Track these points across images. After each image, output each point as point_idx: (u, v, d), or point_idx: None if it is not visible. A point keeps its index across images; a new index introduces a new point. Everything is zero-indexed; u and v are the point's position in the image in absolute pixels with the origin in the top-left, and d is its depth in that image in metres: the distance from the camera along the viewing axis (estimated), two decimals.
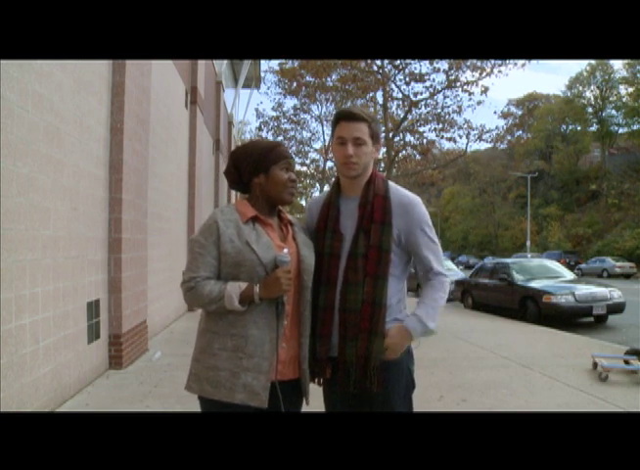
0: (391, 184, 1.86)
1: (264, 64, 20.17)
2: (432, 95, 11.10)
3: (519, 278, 10.47)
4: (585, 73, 42.77)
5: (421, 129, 11.89)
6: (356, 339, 1.71)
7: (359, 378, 1.71)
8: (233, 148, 19.45)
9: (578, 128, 45.47)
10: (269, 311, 1.65)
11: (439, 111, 11.38)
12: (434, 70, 10.73)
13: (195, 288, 1.64)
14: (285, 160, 1.73)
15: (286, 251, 1.69)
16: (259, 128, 18.73)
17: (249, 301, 1.61)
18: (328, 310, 1.76)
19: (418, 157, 12.93)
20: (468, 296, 12.25)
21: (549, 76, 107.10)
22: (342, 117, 1.77)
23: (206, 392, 1.64)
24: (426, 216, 1.82)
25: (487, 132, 11.80)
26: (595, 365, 5.23)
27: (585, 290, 9.48)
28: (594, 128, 43.90)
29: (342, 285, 1.74)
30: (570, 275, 11.49)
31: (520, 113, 51.62)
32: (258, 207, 1.74)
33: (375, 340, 1.71)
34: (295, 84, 14.65)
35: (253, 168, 1.73)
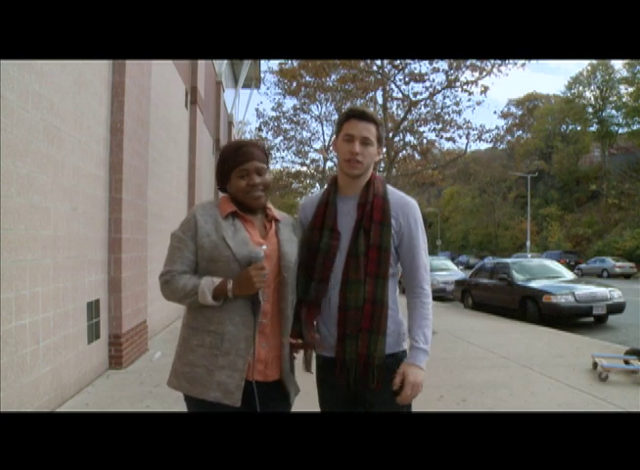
0: (389, 187, 1.87)
1: (264, 64, 20.16)
2: (431, 95, 11.10)
3: (519, 278, 10.47)
4: (585, 73, 42.75)
5: (421, 129, 11.90)
6: (356, 337, 1.71)
7: (360, 377, 1.71)
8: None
9: (578, 128, 45.39)
10: (246, 308, 1.63)
11: (439, 111, 11.38)
12: (434, 70, 10.73)
13: (170, 281, 1.66)
14: (239, 167, 1.68)
15: (264, 247, 1.67)
16: (259, 128, 18.74)
17: (223, 296, 1.60)
18: (313, 306, 1.76)
19: (418, 157, 12.93)
20: (468, 296, 12.25)
21: (549, 77, 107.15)
22: (354, 116, 1.76)
23: (184, 387, 1.65)
24: (422, 221, 1.84)
25: (487, 132, 11.80)
26: (595, 365, 5.24)
27: (585, 290, 9.48)
28: (594, 128, 43.83)
29: (342, 283, 1.74)
30: (570, 275, 11.49)
31: (520, 113, 51.71)
32: (240, 206, 1.73)
33: (377, 339, 1.71)
34: (294, 84, 14.65)
35: (222, 178, 1.75)
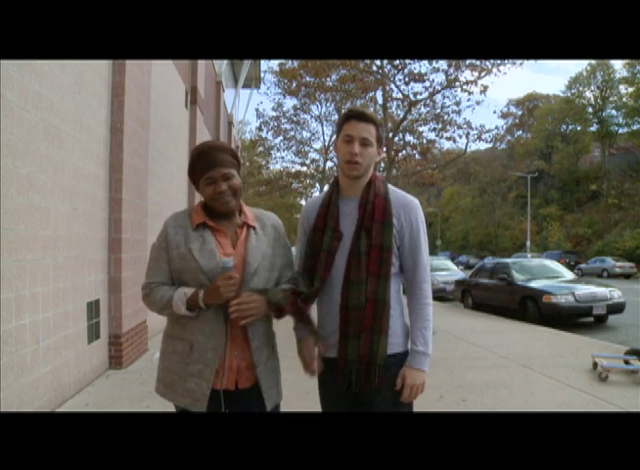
0: (390, 186, 1.87)
1: (264, 64, 20.16)
2: (431, 95, 11.09)
3: (519, 278, 10.47)
4: (585, 73, 42.74)
5: (420, 129, 11.89)
6: (358, 337, 1.70)
7: (362, 377, 1.71)
8: (233, 148, 19.44)
9: (578, 128, 45.40)
10: (217, 319, 1.64)
11: (439, 111, 11.37)
12: (434, 70, 10.72)
13: (149, 294, 1.70)
14: (205, 175, 1.66)
15: (232, 257, 1.66)
16: (259, 128, 18.72)
17: (197, 307, 1.62)
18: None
19: (418, 157, 12.92)
20: (468, 296, 12.25)
21: (549, 77, 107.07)
22: (353, 117, 1.77)
23: (162, 391, 1.72)
24: (423, 221, 1.84)
25: (487, 132, 11.78)
26: (595, 365, 5.24)
27: (585, 290, 9.48)
28: (594, 128, 43.83)
29: (344, 283, 1.74)
30: (570, 275, 11.49)
31: (520, 113, 51.72)
32: (211, 213, 1.72)
33: (379, 338, 1.70)
34: (294, 84, 14.64)
35: (193, 181, 1.74)
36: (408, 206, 1.80)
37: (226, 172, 1.67)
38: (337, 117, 15.93)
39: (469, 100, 25.78)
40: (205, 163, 1.66)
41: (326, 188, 1.98)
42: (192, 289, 1.63)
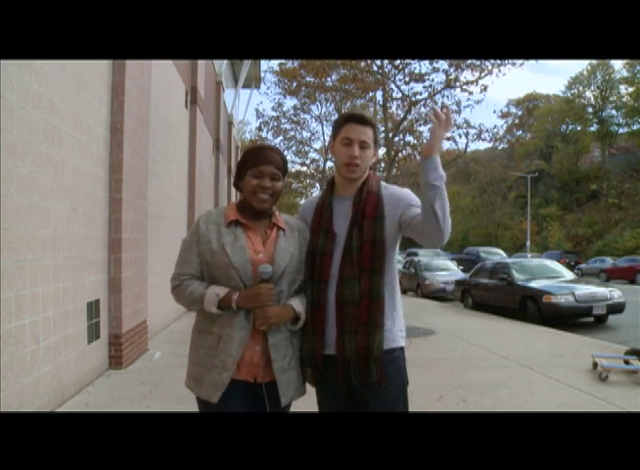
0: (383, 183, 1.89)
1: (264, 64, 20.15)
2: (430, 95, 11.08)
3: (519, 278, 10.46)
4: (585, 73, 42.75)
5: (420, 129, 11.89)
6: (355, 332, 1.73)
7: (360, 371, 1.72)
8: (233, 148, 19.47)
9: (578, 128, 45.40)
10: (243, 311, 1.69)
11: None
12: (434, 70, 10.71)
13: (180, 286, 1.77)
14: (255, 167, 1.73)
15: (261, 255, 1.72)
16: (259, 128, 18.72)
17: (228, 308, 1.67)
18: (320, 308, 1.77)
19: (418, 157, 12.92)
20: (468, 296, 12.24)
21: (549, 78, 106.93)
22: (353, 119, 1.78)
23: (191, 387, 1.76)
24: (415, 198, 1.83)
25: (486, 131, 11.78)
26: (595, 365, 5.23)
27: (585, 290, 9.47)
28: (594, 128, 43.83)
29: (339, 280, 1.76)
30: (570, 275, 11.49)
31: (520, 113, 51.75)
32: (243, 210, 1.78)
33: (375, 332, 1.72)
34: (294, 84, 14.64)
35: (238, 173, 1.81)
36: (402, 198, 1.82)
37: (275, 172, 1.75)
38: (337, 117, 15.91)
39: (468, 100, 25.81)
40: (261, 157, 1.74)
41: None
42: (224, 290, 1.68)
